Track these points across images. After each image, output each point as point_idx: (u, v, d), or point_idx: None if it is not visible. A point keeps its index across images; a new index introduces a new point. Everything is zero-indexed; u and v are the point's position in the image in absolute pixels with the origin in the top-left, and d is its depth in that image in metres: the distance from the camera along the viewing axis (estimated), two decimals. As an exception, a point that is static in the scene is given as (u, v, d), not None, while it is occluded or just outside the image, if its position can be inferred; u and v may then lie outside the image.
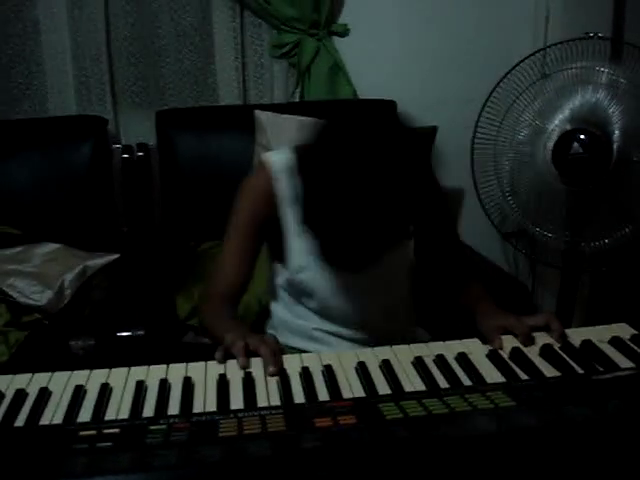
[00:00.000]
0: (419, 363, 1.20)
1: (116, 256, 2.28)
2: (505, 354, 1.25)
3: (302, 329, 1.58)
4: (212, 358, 1.25)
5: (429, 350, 1.26)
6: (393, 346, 1.28)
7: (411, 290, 1.64)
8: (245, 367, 1.21)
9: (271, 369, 1.19)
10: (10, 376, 1.19)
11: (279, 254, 1.55)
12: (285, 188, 1.45)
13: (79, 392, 1.12)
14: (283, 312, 1.62)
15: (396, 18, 2.84)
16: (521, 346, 1.26)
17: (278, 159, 1.47)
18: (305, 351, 1.49)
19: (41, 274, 2.15)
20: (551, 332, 1.31)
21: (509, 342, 1.28)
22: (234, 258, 1.51)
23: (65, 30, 2.70)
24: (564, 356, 1.22)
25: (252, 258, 1.53)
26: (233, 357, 1.24)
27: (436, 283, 1.65)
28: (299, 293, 1.55)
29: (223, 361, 1.23)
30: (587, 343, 1.28)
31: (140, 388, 1.13)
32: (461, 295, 1.58)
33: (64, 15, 2.68)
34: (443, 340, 1.32)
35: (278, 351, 1.25)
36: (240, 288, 1.54)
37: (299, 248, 1.49)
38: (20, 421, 1.05)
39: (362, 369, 1.18)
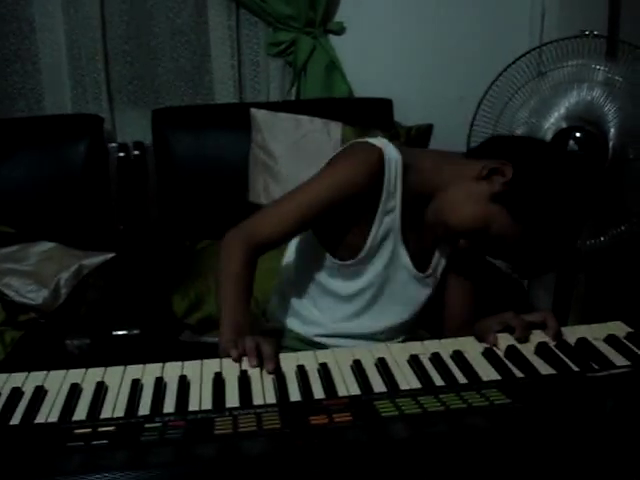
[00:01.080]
0: (414, 361, 1.20)
1: (112, 255, 2.28)
2: (500, 352, 1.25)
3: (320, 321, 1.58)
4: (208, 356, 1.25)
5: (424, 348, 1.26)
6: (388, 344, 1.29)
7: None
8: (256, 367, 1.20)
9: (270, 367, 1.19)
10: (6, 375, 1.19)
11: (330, 242, 1.51)
12: (391, 187, 1.45)
13: (75, 390, 1.12)
14: (302, 302, 1.60)
15: (392, 16, 2.84)
16: (516, 344, 1.26)
17: (392, 156, 1.44)
18: (315, 343, 1.55)
19: (37, 273, 2.15)
20: (547, 329, 1.31)
21: (504, 340, 1.28)
22: (297, 216, 1.43)
23: (60, 29, 2.70)
24: (559, 354, 1.23)
25: (304, 227, 1.48)
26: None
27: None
28: (346, 276, 1.53)
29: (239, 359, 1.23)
30: (582, 341, 1.28)
31: (135, 386, 1.13)
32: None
33: (59, 14, 2.68)
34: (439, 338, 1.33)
35: (277, 350, 1.25)
36: (273, 247, 1.47)
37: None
38: (16, 419, 1.05)
39: (357, 367, 1.18)
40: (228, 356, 1.23)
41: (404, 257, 1.51)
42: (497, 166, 1.39)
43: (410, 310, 1.57)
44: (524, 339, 1.29)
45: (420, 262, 1.54)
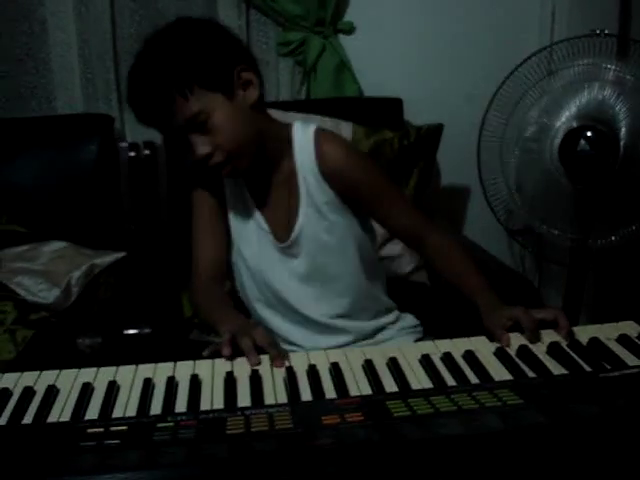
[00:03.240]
0: (426, 361, 1.20)
1: (123, 254, 2.28)
2: (512, 351, 1.25)
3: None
4: (218, 355, 1.25)
5: (436, 348, 1.26)
6: (400, 344, 1.29)
7: (371, 270, 1.60)
8: (257, 364, 1.21)
9: (278, 363, 1.20)
10: (18, 374, 1.20)
11: None
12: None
13: (86, 390, 1.13)
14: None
15: (402, 16, 2.83)
16: (528, 344, 1.26)
17: None
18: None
19: (48, 272, 2.15)
20: (558, 329, 1.30)
21: (516, 339, 1.28)
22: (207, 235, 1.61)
23: (72, 28, 2.70)
24: (572, 354, 1.22)
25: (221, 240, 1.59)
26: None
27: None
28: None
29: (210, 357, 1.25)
30: (595, 341, 1.27)
31: (147, 386, 1.13)
32: (447, 272, 1.54)
33: (71, 14, 2.68)
34: (449, 337, 1.32)
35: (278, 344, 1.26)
36: (221, 263, 1.57)
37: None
38: (28, 419, 1.05)
39: (369, 367, 1.18)
40: (217, 352, 1.25)
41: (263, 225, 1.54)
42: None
43: (291, 286, 1.54)
44: (535, 339, 1.28)
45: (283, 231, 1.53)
